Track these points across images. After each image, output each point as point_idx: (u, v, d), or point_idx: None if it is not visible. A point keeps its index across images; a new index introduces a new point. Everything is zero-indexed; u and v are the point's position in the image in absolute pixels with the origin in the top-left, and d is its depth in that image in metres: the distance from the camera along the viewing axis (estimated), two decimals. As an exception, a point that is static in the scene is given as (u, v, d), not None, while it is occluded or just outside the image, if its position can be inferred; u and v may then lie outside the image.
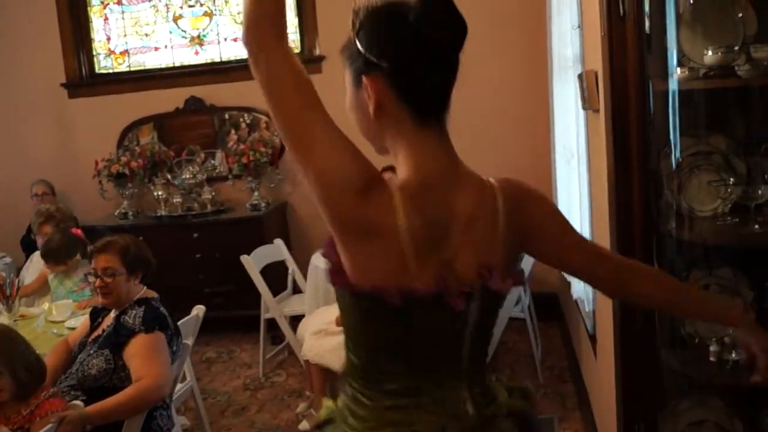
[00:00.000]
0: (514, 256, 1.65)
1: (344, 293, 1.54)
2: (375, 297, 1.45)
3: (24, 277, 5.05)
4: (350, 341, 1.60)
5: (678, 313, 2.34)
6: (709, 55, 2.40)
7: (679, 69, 2.49)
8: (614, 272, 1.78)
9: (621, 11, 2.48)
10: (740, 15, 2.48)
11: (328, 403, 1.73)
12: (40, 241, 4.88)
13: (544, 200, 1.73)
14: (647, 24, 2.48)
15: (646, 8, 2.46)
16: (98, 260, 3.33)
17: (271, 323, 5.33)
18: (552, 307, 6.00)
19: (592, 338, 3.79)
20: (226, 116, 6.74)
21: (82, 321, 3.69)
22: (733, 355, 2.55)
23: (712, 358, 2.57)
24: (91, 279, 3.38)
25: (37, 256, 5.01)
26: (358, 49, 1.52)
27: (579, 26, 3.48)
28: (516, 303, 4.93)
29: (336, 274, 1.52)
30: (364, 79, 1.51)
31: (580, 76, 3.25)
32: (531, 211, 1.66)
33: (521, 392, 1.75)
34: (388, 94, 1.51)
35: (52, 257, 4.55)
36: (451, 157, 1.58)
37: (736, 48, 2.41)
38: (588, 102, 3.12)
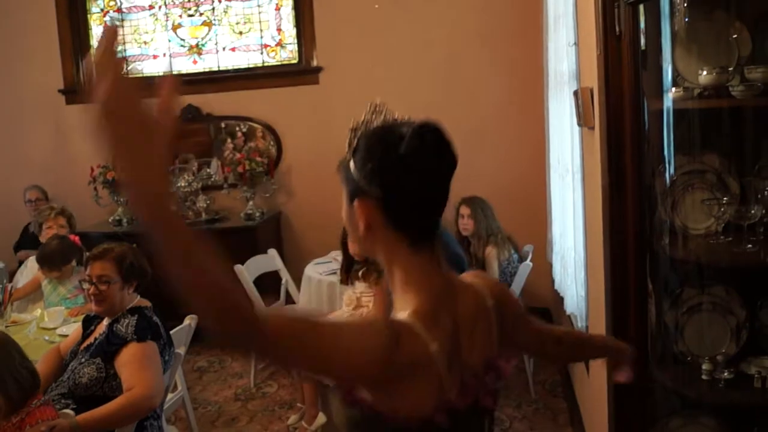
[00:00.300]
0: (506, 343, 1.66)
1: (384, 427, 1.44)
2: (425, 423, 1.42)
3: (17, 281, 5.05)
4: None
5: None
6: (704, 75, 2.42)
7: (674, 88, 2.51)
8: (560, 346, 1.99)
9: (617, 30, 2.50)
10: (735, 36, 2.50)
11: None
12: (47, 234, 4.90)
13: (514, 298, 1.82)
14: (643, 43, 2.49)
15: (642, 27, 2.48)
16: (94, 267, 3.29)
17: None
18: (544, 321, 5.98)
19: (585, 354, 3.79)
20: (223, 125, 6.75)
21: (74, 328, 3.67)
22: (726, 373, 2.56)
23: (704, 376, 2.58)
24: (86, 286, 3.35)
25: (32, 260, 5.01)
26: (350, 172, 1.50)
27: (575, 43, 3.49)
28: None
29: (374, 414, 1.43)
30: (355, 201, 1.48)
31: (575, 93, 3.26)
32: (508, 305, 1.69)
33: None
34: (380, 219, 1.48)
35: (46, 262, 4.54)
36: (443, 270, 1.56)
37: (731, 68, 2.43)
38: (583, 119, 3.13)
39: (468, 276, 1.69)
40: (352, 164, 1.49)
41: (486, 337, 1.59)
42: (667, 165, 2.60)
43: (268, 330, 1.25)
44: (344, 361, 1.34)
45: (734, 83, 2.40)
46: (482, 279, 1.70)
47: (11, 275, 5.41)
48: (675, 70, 2.54)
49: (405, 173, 1.45)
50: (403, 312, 1.46)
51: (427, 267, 1.52)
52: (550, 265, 5.38)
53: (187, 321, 3.69)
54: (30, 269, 5.04)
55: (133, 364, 3.09)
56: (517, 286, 4.86)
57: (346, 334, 1.36)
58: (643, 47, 2.49)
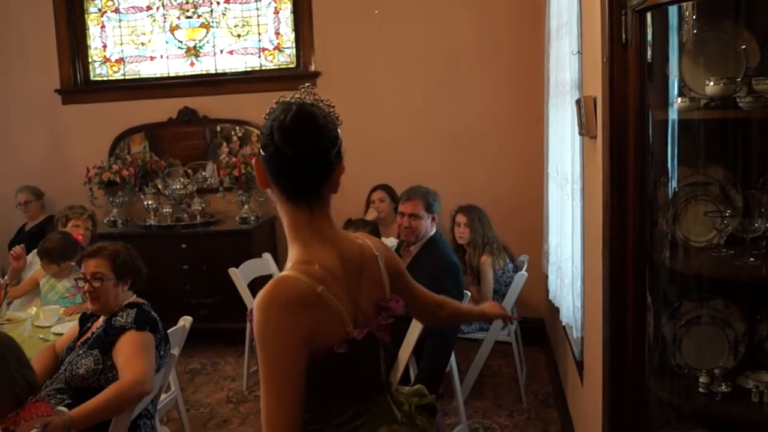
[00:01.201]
0: (396, 289, 2.08)
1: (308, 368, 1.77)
2: (330, 354, 1.79)
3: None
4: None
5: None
6: (711, 86, 2.40)
7: (679, 98, 2.50)
8: (443, 311, 2.40)
9: (623, 38, 2.48)
10: (743, 47, 2.48)
11: None
12: (72, 230, 4.93)
13: (397, 257, 2.21)
14: (649, 52, 2.48)
15: (649, 37, 2.47)
16: (88, 265, 3.32)
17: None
18: (538, 332, 5.99)
19: (579, 365, 3.78)
20: (218, 128, 6.73)
21: (69, 327, 3.67)
22: (723, 387, 2.54)
23: (701, 390, 2.56)
24: (81, 284, 3.36)
25: (31, 258, 5.01)
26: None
27: (579, 51, 3.48)
28: (503, 327, 4.92)
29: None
30: (254, 159, 1.91)
31: (578, 102, 3.25)
32: (393, 259, 2.14)
33: (416, 392, 2.18)
34: (266, 175, 1.89)
35: (47, 255, 4.56)
36: (328, 226, 1.92)
37: (738, 80, 2.41)
38: (585, 128, 3.11)
39: (356, 234, 2.09)
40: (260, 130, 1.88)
41: (375, 281, 1.98)
42: (669, 176, 2.59)
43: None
44: (292, 349, 1.71)
45: (741, 94, 2.39)
46: (368, 238, 2.09)
47: (5, 273, 5.36)
48: (681, 80, 2.52)
49: (278, 145, 1.82)
50: (289, 263, 1.85)
51: (309, 222, 1.88)
52: (545, 276, 5.37)
53: (181, 322, 3.67)
54: (29, 268, 5.01)
55: (127, 350, 3.09)
56: (512, 296, 4.85)
57: (272, 342, 1.72)
58: (649, 56, 2.47)
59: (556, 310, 4.54)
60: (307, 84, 1.95)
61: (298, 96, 1.90)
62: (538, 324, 6.10)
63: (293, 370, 1.71)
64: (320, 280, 1.80)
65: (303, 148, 1.83)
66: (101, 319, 3.35)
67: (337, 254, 1.89)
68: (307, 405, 1.77)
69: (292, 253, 1.88)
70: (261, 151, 1.87)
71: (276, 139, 1.82)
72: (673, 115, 2.52)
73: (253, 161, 1.91)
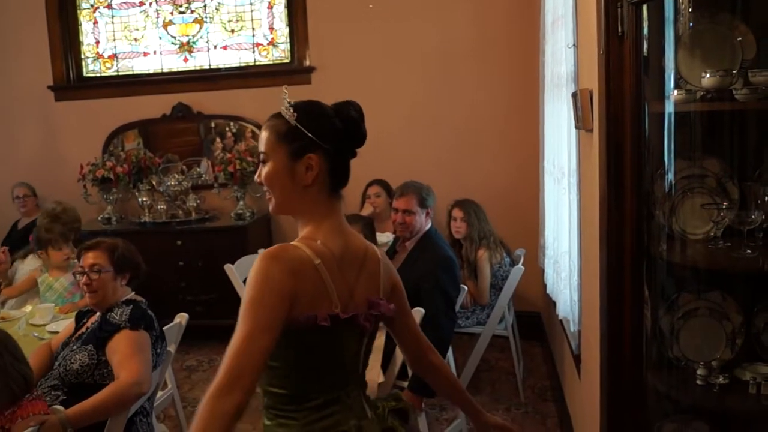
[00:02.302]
0: (388, 295, 2.18)
1: (287, 337, 1.88)
2: (313, 324, 1.91)
3: (15, 273, 5.08)
4: (279, 377, 1.99)
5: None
6: (707, 78, 2.40)
7: (676, 91, 2.49)
8: (419, 351, 2.38)
9: (619, 30, 2.47)
10: (739, 39, 2.48)
11: None
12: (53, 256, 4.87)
13: (396, 274, 2.29)
14: (645, 44, 2.47)
15: (645, 29, 2.46)
16: (86, 257, 3.32)
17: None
18: (534, 326, 5.99)
19: (577, 358, 3.78)
20: (213, 124, 6.72)
21: (64, 325, 3.66)
22: (721, 379, 2.54)
23: (699, 382, 2.56)
24: (79, 277, 3.35)
25: (25, 254, 5.02)
26: (299, 132, 1.96)
27: (574, 45, 3.47)
28: (500, 321, 4.92)
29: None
30: (309, 155, 1.97)
31: (574, 95, 3.24)
32: (394, 273, 2.25)
33: (393, 396, 2.28)
34: (324, 169, 1.99)
35: (48, 243, 4.67)
36: (343, 217, 2.10)
37: (734, 72, 2.40)
38: (582, 121, 3.11)
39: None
40: (301, 126, 1.96)
41: (372, 279, 2.11)
42: (666, 169, 2.58)
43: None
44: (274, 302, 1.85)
45: (737, 87, 2.38)
46: (382, 251, 2.24)
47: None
48: (677, 72, 2.51)
49: (346, 136, 2.00)
50: (300, 237, 2.02)
51: (335, 211, 2.06)
52: (542, 270, 5.37)
53: (177, 319, 3.66)
54: (26, 265, 5.01)
55: (122, 350, 3.07)
56: (508, 290, 4.84)
57: (262, 289, 1.85)
58: (645, 48, 2.46)
59: (553, 304, 4.54)
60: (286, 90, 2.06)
61: (290, 100, 2.00)
62: (535, 318, 6.10)
63: (269, 316, 1.83)
64: (321, 255, 1.95)
65: (365, 136, 2.05)
66: (96, 315, 3.34)
67: (344, 243, 2.05)
68: (286, 382, 1.97)
69: (303, 232, 2.04)
70: (327, 144, 1.98)
71: (351, 131, 2.01)
72: (669, 107, 2.51)
73: (312, 158, 1.98)
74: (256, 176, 2.11)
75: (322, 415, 1.98)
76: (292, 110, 1.97)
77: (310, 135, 1.96)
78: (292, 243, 1.98)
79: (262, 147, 2.04)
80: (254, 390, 1.79)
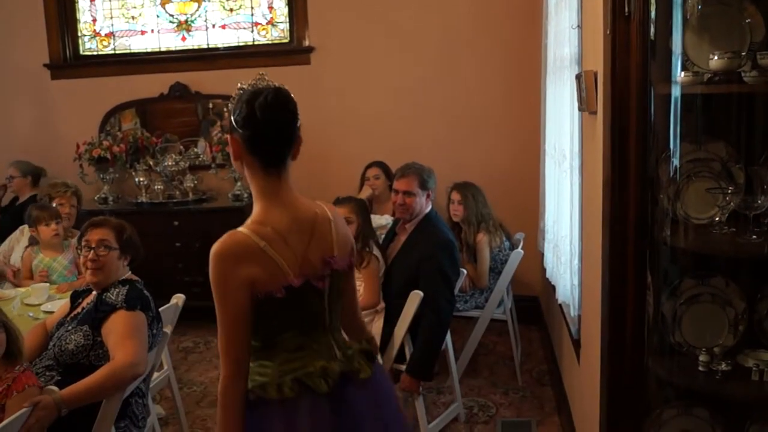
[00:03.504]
0: (344, 250, 2.41)
1: (253, 306, 2.18)
2: (269, 297, 2.18)
3: (13, 249, 5.08)
4: (252, 333, 2.22)
5: None
6: (715, 60, 2.35)
7: (683, 73, 2.45)
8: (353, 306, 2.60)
9: (626, 11, 2.44)
10: (747, 21, 2.43)
11: None
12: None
13: (350, 234, 2.54)
14: (652, 25, 2.43)
15: (652, 10, 2.42)
16: (93, 233, 3.27)
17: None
18: (533, 310, 5.97)
19: (576, 343, 3.76)
20: (210, 105, 6.66)
21: (59, 305, 3.62)
22: (723, 365, 2.52)
23: (701, 368, 2.54)
24: (84, 253, 3.29)
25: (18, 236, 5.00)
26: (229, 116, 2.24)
27: (578, 26, 3.44)
28: (498, 305, 4.90)
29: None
30: (227, 136, 2.28)
31: (578, 77, 3.20)
32: (346, 231, 2.48)
33: (366, 342, 2.50)
34: (243, 149, 2.22)
35: (43, 219, 4.68)
36: (289, 190, 2.29)
37: (743, 54, 2.36)
38: (585, 103, 3.07)
39: (316, 202, 2.40)
40: (227, 109, 2.25)
41: (325, 239, 2.33)
42: (671, 152, 2.55)
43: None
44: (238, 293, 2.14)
45: (746, 69, 2.34)
46: (328, 207, 2.43)
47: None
48: (684, 53, 2.47)
49: (258, 120, 2.17)
50: (248, 220, 2.23)
51: (273, 186, 2.25)
52: (541, 254, 5.35)
53: (173, 300, 3.64)
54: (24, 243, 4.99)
55: (118, 331, 3.05)
56: (507, 274, 4.82)
57: (223, 290, 2.14)
58: (652, 29, 2.42)
59: (552, 288, 4.52)
60: (262, 73, 2.29)
61: (252, 82, 2.25)
62: (533, 302, 6.08)
63: (235, 309, 2.15)
64: (266, 237, 2.18)
65: (282, 122, 2.22)
66: (92, 295, 3.30)
67: (291, 216, 2.26)
68: (258, 337, 2.25)
69: (253, 213, 2.26)
70: (239, 129, 2.20)
71: (259, 116, 2.16)
72: (675, 89, 2.47)
73: (228, 138, 2.27)
74: None
75: (293, 358, 2.27)
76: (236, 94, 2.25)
77: (229, 118, 2.24)
78: (239, 229, 2.21)
79: None
80: (248, 368, 2.21)
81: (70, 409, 2.81)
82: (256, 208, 2.27)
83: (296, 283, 2.21)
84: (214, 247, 2.15)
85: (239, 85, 2.26)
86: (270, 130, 2.21)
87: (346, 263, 2.41)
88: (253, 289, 2.16)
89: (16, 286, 4.58)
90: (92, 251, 3.23)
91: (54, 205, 4.93)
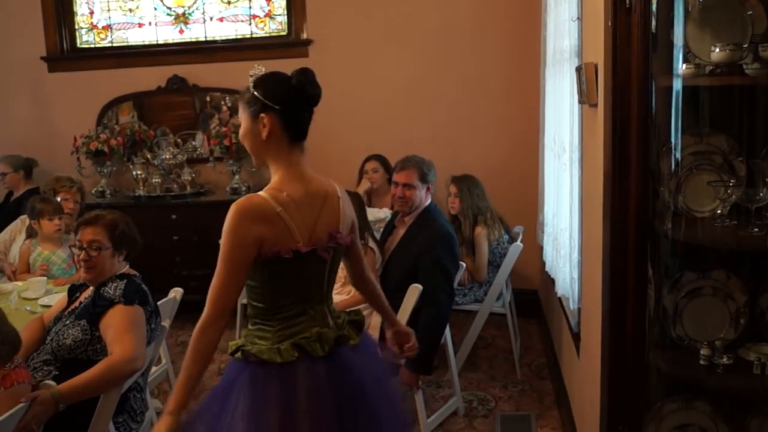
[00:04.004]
0: (348, 228, 2.60)
1: (261, 265, 2.38)
2: (277, 257, 2.35)
3: (14, 239, 5.06)
4: (257, 294, 2.46)
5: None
6: (717, 52, 2.35)
7: (684, 65, 2.43)
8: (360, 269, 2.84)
9: (627, 3, 2.43)
10: (749, 13, 2.42)
11: (232, 342, 2.54)
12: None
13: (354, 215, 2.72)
14: (653, 17, 2.42)
15: (654, 3, 2.40)
16: (85, 233, 3.23)
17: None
18: (531, 304, 5.96)
19: (576, 336, 3.75)
20: (208, 98, 6.64)
21: (56, 299, 3.60)
22: (725, 359, 2.51)
23: (702, 362, 2.53)
24: (75, 251, 3.29)
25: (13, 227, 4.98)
26: (255, 97, 2.40)
27: (578, 18, 3.42)
28: (497, 298, 4.89)
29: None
30: (262, 115, 2.39)
31: (578, 69, 3.19)
32: (352, 211, 2.69)
33: (355, 312, 2.70)
34: (278, 125, 2.40)
35: (47, 213, 4.66)
36: (306, 165, 2.50)
37: (745, 46, 2.35)
38: (586, 95, 3.06)
39: (327, 179, 2.60)
40: (257, 93, 2.39)
41: (332, 215, 2.53)
42: (673, 145, 2.54)
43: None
44: (246, 248, 2.33)
45: (748, 61, 2.33)
46: (338, 186, 2.63)
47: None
48: (686, 45, 2.46)
49: (296, 96, 2.40)
50: (267, 187, 2.42)
51: (295, 161, 2.46)
52: (540, 247, 5.34)
53: (172, 294, 3.63)
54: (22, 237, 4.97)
55: (116, 326, 3.03)
56: (507, 267, 4.81)
57: (232, 240, 2.33)
58: (653, 21, 2.41)
59: (552, 282, 4.51)
60: (260, 66, 2.48)
61: (255, 71, 2.45)
62: (532, 296, 6.07)
63: (239, 261, 2.33)
64: (282, 203, 2.37)
65: (317, 96, 2.44)
66: (90, 289, 3.28)
67: (305, 189, 2.46)
68: (262, 298, 2.45)
69: (272, 181, 2.45)
70: (276, 105, 2.38)
71: (305, 91, 2.40)
72: (677, 82, 2.46)
73: (265, 117, 2.39)
74: None
75: (291, 323, 2.44)
76: (252, 81, 2.41)
77: (262, 99, 2.39)
78: (259, 193, 2.40)
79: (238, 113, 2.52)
80: (229, 317, 2.37)
81: (68, 404, 2.79)
82: (275, 178, 2.45)
83: (304, 249, 2.39)
84: (234, 205, 2.35)
85: (253, 71, 2.43)
86: (309, 104, 2.44)
87: (349, 239, 2.60)
88: (261, 249, 2.33)
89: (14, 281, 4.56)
90: (84, 251, 3.21)
91: (58, 199, 4.91)
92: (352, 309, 2.77)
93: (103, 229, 3.23)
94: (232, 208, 2.35)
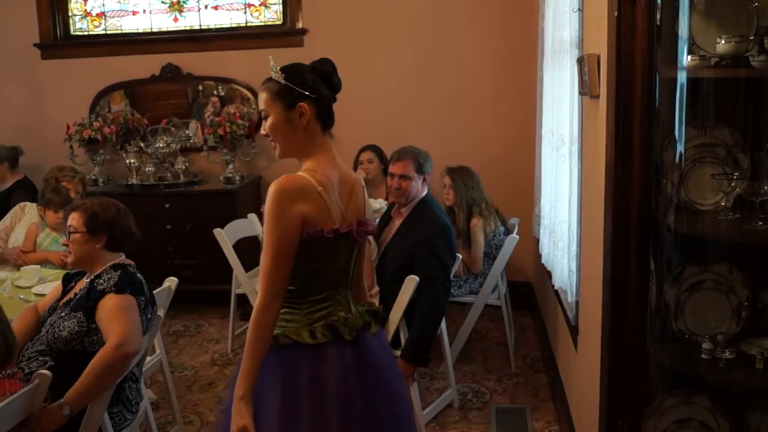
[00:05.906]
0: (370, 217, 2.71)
1: (299, 245, 2.39)
2: (320, 235, 2.39)
3: (14, 226, 5.03)
4: (290, 277, 2.40)
5: None
6: (722, 44, 2.33)
7: (689, 57, 2.41)
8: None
9: (631, -8, 2.40)
10: (755, 5, 2.40)
11: None
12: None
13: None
14: (658, 7, 2.39)
15: (659, -6, 2.38)
16: (68, 218, 3.30)
17: (241, 298, 5.24)
18: (526, 296, 5.95)
19: (574, 329, 3.73)
20: (200, 87, 6.59)
21: (50, 288, 3.60)
22: (727, 353, 2.49)
23: (704, 356, 2.51)
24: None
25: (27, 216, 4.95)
26: (289, 88, 2.42)
27: (579, 9, 3.39)
28: (492, 290, 4.87)
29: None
30: (300, 104, 2.42)
31: (580, 60, 3.16)
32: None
33: (369, 303, 2.74)
34: (314, 114, 2.45)
35: (60, 205, 4.66)
36: (333, 150, 2.56)
37: (750, 37, 2.33)
38: (588, 87, 3.03)
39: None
40: (290, 83, 2.41)
41: (359, 203, 2.61)
42: (676, 138, 2.51)
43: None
44: (292, 229, 2.35)
45: (753, 53, 2.31)
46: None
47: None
48: (691, 37, 2.44)
49: (333, 83, 2.50)
50: (302, 169, 2.46)
51: (327, 148, 2.52)
52: (535, 239, 5.32)
53: (166, 283, 3.59)
54: (25, 222, 4.93)
55: (107, 315, 3.03)
56: (502, 259, 4.79)
57: (278, 220, 2.33)
58: (658, 12, 2.38)
59: (548, 274, 4.49)
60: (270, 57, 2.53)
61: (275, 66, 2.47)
62: (526, 288, 6.06)
63: (285, 240, 2.34)
64: (321, 183, 2.41)
65: (340, 84, 2.52)
66: (85, 279, 3.26)
67: (338, 173, 2.52)
68: (294, 280, 2.42)
69: (305, 165, 2.48)
70: (313, 94, 2.43)
71: (332, 80, 2.48)
72: (681, 74, 2.43)
73: (304, 105, 2.42)
74: (261, 130, 2.54)
75: (320, 307, 2.49)
76: (280, 72, 2.43)
77: (298, 89, 2.42)
78: (298, 173, 2.43)
79: (261, 106, 2.49)
80: (283, 298, 2.39)
81: (74, 409, 2.84)
82: (310, 163, 2.47)
83: (343, 229, 2.45)
84: (274, 185, 2.35)
85: (272, 63, 2.46)
86: (333, 91, 2.51)
87: (372, 228, 2.66)
88: (304, 226, 2.37)
89: (21, 265, 4.53)
90: (65, 236, 3.31)
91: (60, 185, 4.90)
92: (368, 303, 2.78)
93: (79, 214, 3.25)
94: (273, 188, 2.35)
